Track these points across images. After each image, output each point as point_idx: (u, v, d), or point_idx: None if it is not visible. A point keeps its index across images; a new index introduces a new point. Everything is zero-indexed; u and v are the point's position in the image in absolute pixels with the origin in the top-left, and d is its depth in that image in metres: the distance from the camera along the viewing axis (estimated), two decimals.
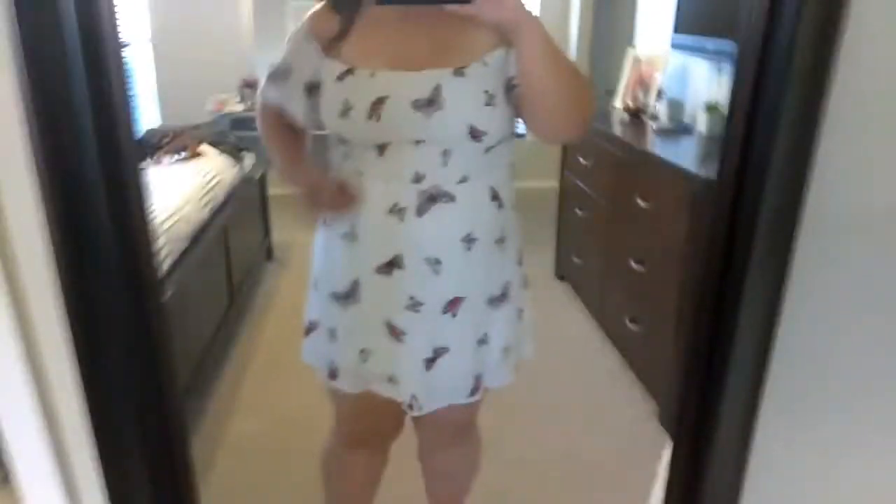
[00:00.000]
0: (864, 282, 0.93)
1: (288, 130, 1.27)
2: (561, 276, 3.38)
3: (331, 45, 1.11)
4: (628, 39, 3.59)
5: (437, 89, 1.04)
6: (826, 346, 0.98)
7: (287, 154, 1.29)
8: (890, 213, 0.90)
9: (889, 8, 0.82)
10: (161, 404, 0.85)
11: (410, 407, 1.21)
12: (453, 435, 1.47)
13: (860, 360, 0.99)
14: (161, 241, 2.05)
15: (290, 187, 1.25)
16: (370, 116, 1.05)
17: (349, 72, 1.08)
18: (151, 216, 0.80)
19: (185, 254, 2.20)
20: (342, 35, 1.10)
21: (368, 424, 1.37)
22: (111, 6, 0.72)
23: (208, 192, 2.65)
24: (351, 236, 1.16)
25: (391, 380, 1.21)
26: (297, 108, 1.18)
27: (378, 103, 1.05)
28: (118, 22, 0.74)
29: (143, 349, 0.83)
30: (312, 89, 1.14)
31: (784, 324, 0.94)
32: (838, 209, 0.89)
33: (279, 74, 1.19)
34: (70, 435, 0.84)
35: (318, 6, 1.14)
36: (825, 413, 1.02)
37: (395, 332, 1.18)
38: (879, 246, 0.91)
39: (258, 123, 1.31)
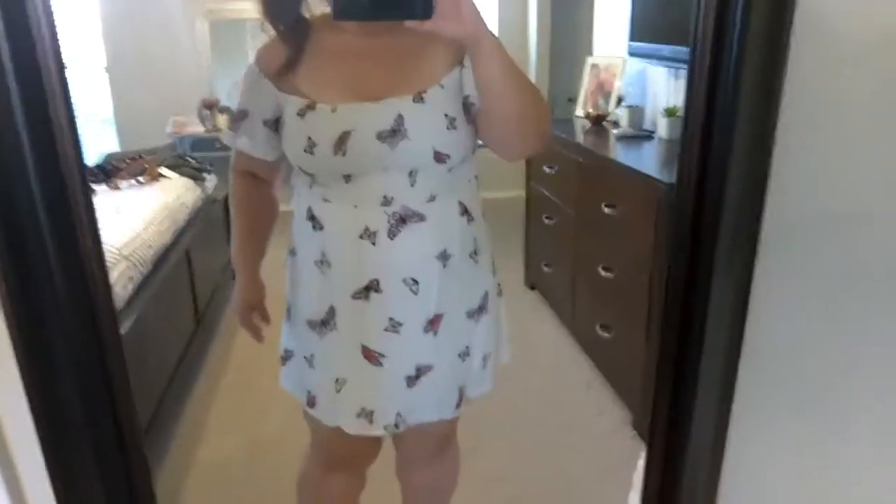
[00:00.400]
0: (827, 279, 0.95)
1: (257, 212, 1.29)
2: (531, 286, 3.39)
3: (284, 78, 1.10)
4: (587, 48, 3.65)
5: (399, 118, 1.04)
6: (794, 344, 0.99)
7: (247, 242, 1.31)
8: (849, 207, 0.92)
9: (836, 8, 0.84)
10: (120, 440, 0.81)
11: (396, 426, 1.19)
12: (434, 449, 1.45)
13: (828, 357, 1.00)
14: (122, 267, 2.00)
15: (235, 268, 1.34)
16: (336, 152, 1.05)
17: (309, 107, 1.07)
18: (101, 242, 0.76)
19: (148, 278, 2.15)
20: (291, 65, 1.08)
21: (346, 451, 1.34)
22: (51, 26, 0.69)
23: (170, 214, 2.59)
24: (324, 264, 1.14)
25: (363, 414, 1.18)
26: (263, 148, 1.17)
27: (343, 138, 1.04)
28: (58, 42, 0.71)
29: (99, 382, 0.80)
30: (274, 124, 1.14)
31: (751, 324, 0.95)
32: (799, 206, 0.90)
33: (239, 118, 1.18)
34: (24, 468, 0.81)
35: (266, 42, 1.12)
36: (797, 412, 1.03)
37: (372, 357, 1.15)
38: (841, 239, 0.93)
39: (231, 193, 1.30)
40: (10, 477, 0.80)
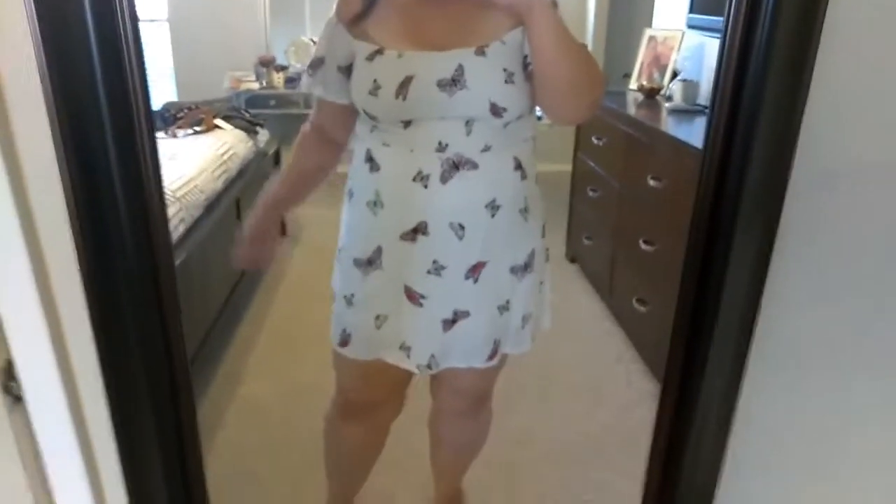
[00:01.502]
0: (850, 236, 0.94)
1: (315, 167, 1.35)
2: (572, 258, 3.38)
3: (358, 26, 1.15)
4: (646, 20, 3.57)
5: (459, 69, 1.07)
6: (811, 307, 0.98)
7: (290, 192, 1.38)
8: (875, 163, 0.90)
9: None
10: (170, 359, 0.88)
11: (429, 367, 1.23)
12: (469, 406, 1.48)
13: (849, 321, 0.99)
14: (175, 209, 2.09)
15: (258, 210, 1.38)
16: (398, 95, 1.09)
17: (378, 52, 1.12)
18: (162, 182, 0.83)
19: (198, 221, 2.24)
20: (364, 13, 1.13)
21: (368, 397, 1.39)
22: None
23: (222, 164, 2.68)
24: (377, 204, 1.18)
25: (403, 347, 1.23)
26: (336, 92, 1.22)
27: (405, 82, 1.08)
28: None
29: (154, 304, 0.86)
30: (347, 70, 1.18)
31: (770, 282, 0.94)
32: (825, 171, 0.90)
33: (315, 64, 1.23)
34: (83, 379, 0.87)
35: None
36: (812, 368, 1.02)
37: (413, 297, 1.19)
38: (863, 208, 0.92)
39: (297, 143, 1.35)
40: (71, 392, 0.86)
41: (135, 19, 0.76)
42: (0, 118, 0.72)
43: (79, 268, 0.78)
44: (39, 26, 0.70)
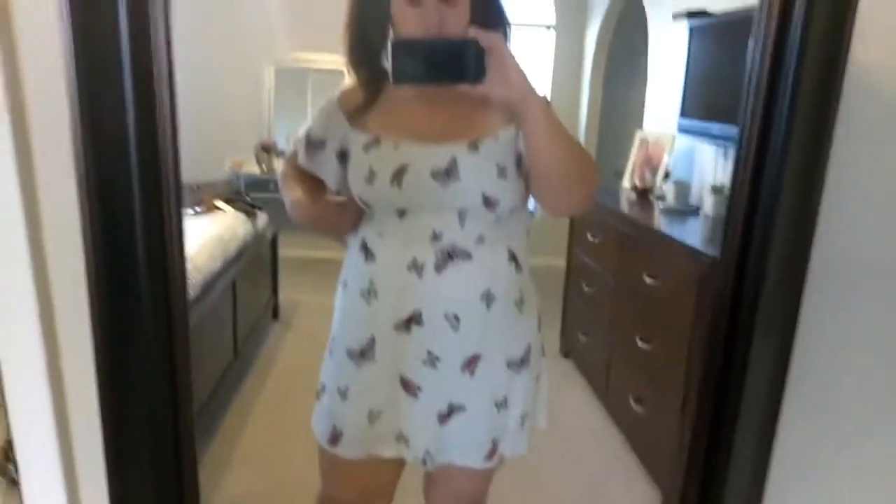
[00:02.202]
0: (863, 358, 0.94)
1: (309, 184, 1.30)
2: (566, 354, 3.36)
3: (357, 117, 1.19)
4: (637, 122, 3.72)
5: (453, 161, 1.10)
6: (831, 416, 0.97)
7: (305, 187, 1.29)
8: (889, 277, 0.92)
9: (881, 89, 0.87)
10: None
11: (424, 462, 1.20)
12: None
13: (867, 430, 0.98)
14: None
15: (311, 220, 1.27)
16: (392, 183, 1.12)
17: (375, 142, 1.15)
18: (185, 258, 0.83)
19: (195, 302, 2.21)
20: (366, 106, 1.18)
21: (356, 497, 1.34)
22: (170, 63, 0.77)
23: (221, 244, 2.68)
24: (370, 293, 1.19)
25: (400, 438, 1.20)
26: (329, 174, 1.25)
27: (400, 171, 1.11)
28: (173, 77, 0.79)
29: (170, 405, 0.85)
30: (342, 157, 1.22)
31: (788, 398, 0.94)
32: (839, 286, 0.91)
33: (314, 144, 1.26)
34: (82, 469, 0.84)
35: (348, 84, 1.23)
36: (833, 484, 1.00)
37: (409, 388, 1.18)
38: (881, 310, 0.93)
39: (282, 175, 1.34)
40: (70, 480, 0.83)
41: (174, 106, 0.78)
42: (32, 214, 0.73)
43: (94, 349, 0.76)
44: (81, 120, 0.72)
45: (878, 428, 0.97)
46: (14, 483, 0.80)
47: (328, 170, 1.25)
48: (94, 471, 0.83)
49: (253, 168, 4.56)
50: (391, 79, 0.99)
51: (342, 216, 1.24)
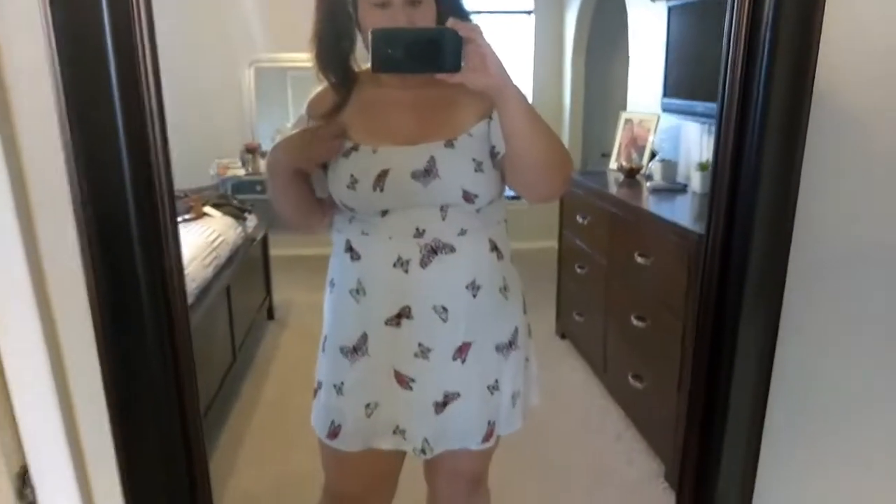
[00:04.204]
0: (851, 320, 0.96)
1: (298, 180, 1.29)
2: (562, 335, 3.39)
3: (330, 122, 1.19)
4: (621, 103, 3.73)
5: (431, 160, 1.13)
6: (820, 388, 1.00)
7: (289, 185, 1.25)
8: (870, 250, 0.94)
9: (855, 63, 0.88)
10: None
11: (423, 451, 1.22)
12: (465, 489, 1.45)
13: (856, 401, 1.00)
14: None
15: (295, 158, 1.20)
16: (375, 188, 1.14)
17: (354, 148, 1.17)
18: (183, 265, 0.84)
19: (191, 309, 2.21)
20: (338, 109, 1.19)
21: (360, 488, 1.36)
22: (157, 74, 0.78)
23: (212, 251, 2.68)
24: (359, 292, 1.21)
25: (398, 431, 1.23)
26: (314, 181, 1.26)
27: (381, 175, 1.14)
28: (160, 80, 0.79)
29: (176, 409, 0.86)
30: (323, 165, 1.22)
31: (778, 369, 0.96)
32: (823, 251, 0.93)
33: None
34: (98, 487, 0.85)
35: (318, 89, 1.23)
36: (825, 457, 1.03)
37: (402, 381, 1.20)
38: (864, 282, 0.95)
39: (267, 164, 1.29)
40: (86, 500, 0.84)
41: (161, 111, 0.79)
42: (23, 211, 0.73)
43: (100, 368, 0.77)
44: (70, 124, 0.72)
45: (865, 398, 1.00)
46: None
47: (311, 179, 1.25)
48: (110, 485, 0.84)
49: (238, 171, 4.55)
50: (371, 68, 0.99)
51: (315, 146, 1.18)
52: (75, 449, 0.78)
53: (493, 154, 1.16)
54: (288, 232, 4.13)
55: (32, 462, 0.77)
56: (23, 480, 0.77)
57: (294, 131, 1.23)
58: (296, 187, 1.23)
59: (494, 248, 1.22)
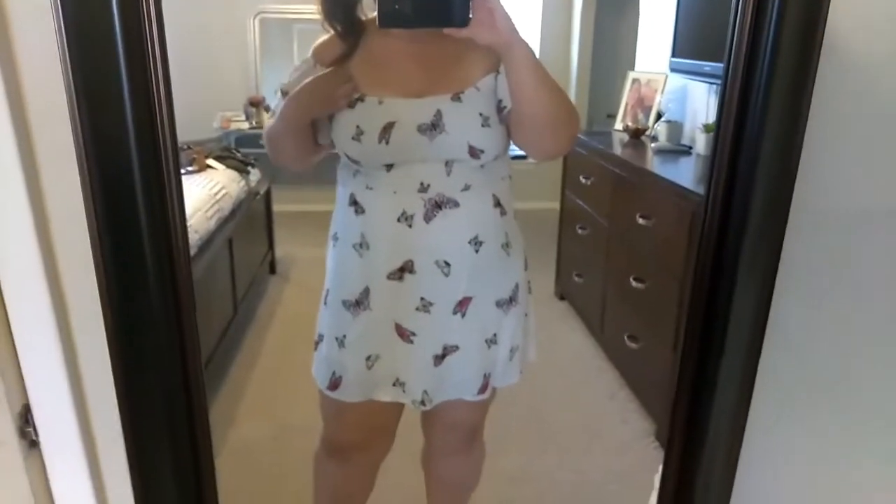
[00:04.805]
0: (848, 285, 0.97)
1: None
2: (561, 296, 3.41)
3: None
4: (629, 63, 3.68)
5: (438, 114, 1.12)
6: (813, 354, 1.01)
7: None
8: (870, 217, 0.94)
9: (864, 22, 0.87)
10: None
11: (423, 403, 1.25)
12: (461, 441, 1.48)
13: (849, 368, 1.02)
14: None
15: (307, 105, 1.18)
16: (380, 140, 1.13)
17: (359, 99, 1.15)
18: (185, 212, 0.85)
19: (193, 261, 2.24)
20: (344, 59, 1.17)
21: (358, 438, 1.39)
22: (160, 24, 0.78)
23: (215, 203, 2.69)
24: (363, 246, 1.21)
25: (397, 383, 1.25)
26: (318, 131, 1.24)
27: (387, 128, 1.12)
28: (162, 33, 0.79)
29: (176, 347, 0.88)
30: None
31: (771, 331, 0.98)
32: (822, 215, 0.93)
33: None
34: (98, 423, 0.87)
35: (324, 37, 1.21)
36: (813, 421, 1.05)
37: (404, 334, 1.22)
38: (862, 248, 0.96)
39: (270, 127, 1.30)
40: (87, 437, 0.86)
41: (165, 60, 0.79)
42: (28, 163, 0.74)
43: (102, 312, 0.79)
44: (73, 76, 0.72)
45: (859, 359, 1.01)
46: (34, 444, 0.83)
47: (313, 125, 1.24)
48: (110, 428, 0.87)
49: (242, 124, 4.53)
50: (378, 23, 0.98)
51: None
52: (77, 390, 0.80)
53: (499, 108, 1.15)
54: (292, 187, 4.13)
55: (34, 401, 0.79)
56: (25, 419, 0.80)
57: (302, 76, 1.19)
58: (303, 133, 1.22)
59: (498, 203, 1.22)
